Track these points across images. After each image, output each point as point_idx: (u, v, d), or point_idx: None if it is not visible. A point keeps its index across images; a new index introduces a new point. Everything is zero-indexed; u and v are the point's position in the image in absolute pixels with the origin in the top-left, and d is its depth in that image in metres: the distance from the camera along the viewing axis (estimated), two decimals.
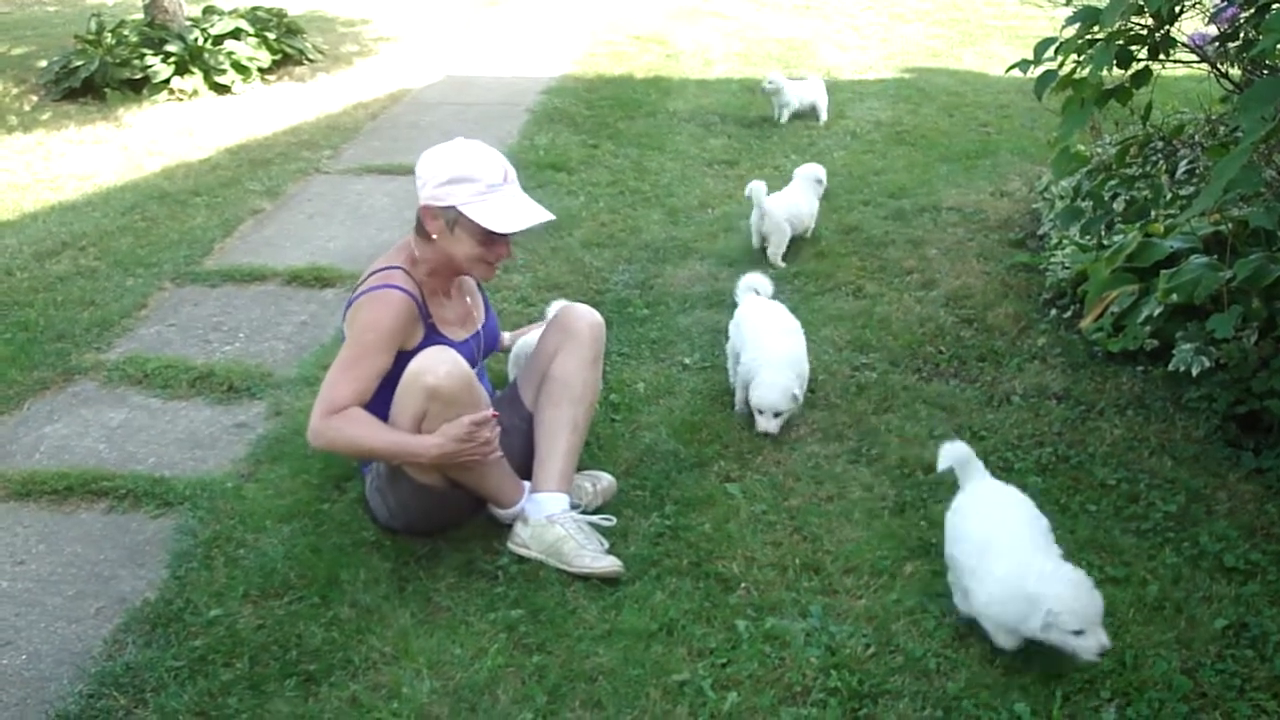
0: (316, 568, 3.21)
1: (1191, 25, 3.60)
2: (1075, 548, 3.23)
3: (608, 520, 3.35)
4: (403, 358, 3.09)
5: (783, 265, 5.32)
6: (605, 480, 3.52)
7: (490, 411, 3.08)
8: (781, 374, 3.76)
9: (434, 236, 3.16)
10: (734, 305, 4.29)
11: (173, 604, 3.09)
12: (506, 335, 3.97)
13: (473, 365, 3.30)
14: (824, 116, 7.98)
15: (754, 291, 4.28)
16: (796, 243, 5.54)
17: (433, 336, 3.21)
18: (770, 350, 3.87)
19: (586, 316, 3.52)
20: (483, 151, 3.16)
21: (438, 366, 3.00)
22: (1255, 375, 3.65)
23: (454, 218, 3.11)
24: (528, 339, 3.78)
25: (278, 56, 9.80)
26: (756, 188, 5.29)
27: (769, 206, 5.34)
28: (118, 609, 3.10)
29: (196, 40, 9.24)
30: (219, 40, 9.37)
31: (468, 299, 3.45)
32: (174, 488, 3.63)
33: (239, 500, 3.55)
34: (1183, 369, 3.79)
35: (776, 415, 3.77)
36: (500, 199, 3.13)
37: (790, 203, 5.51)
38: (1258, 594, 3.03)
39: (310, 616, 3.03)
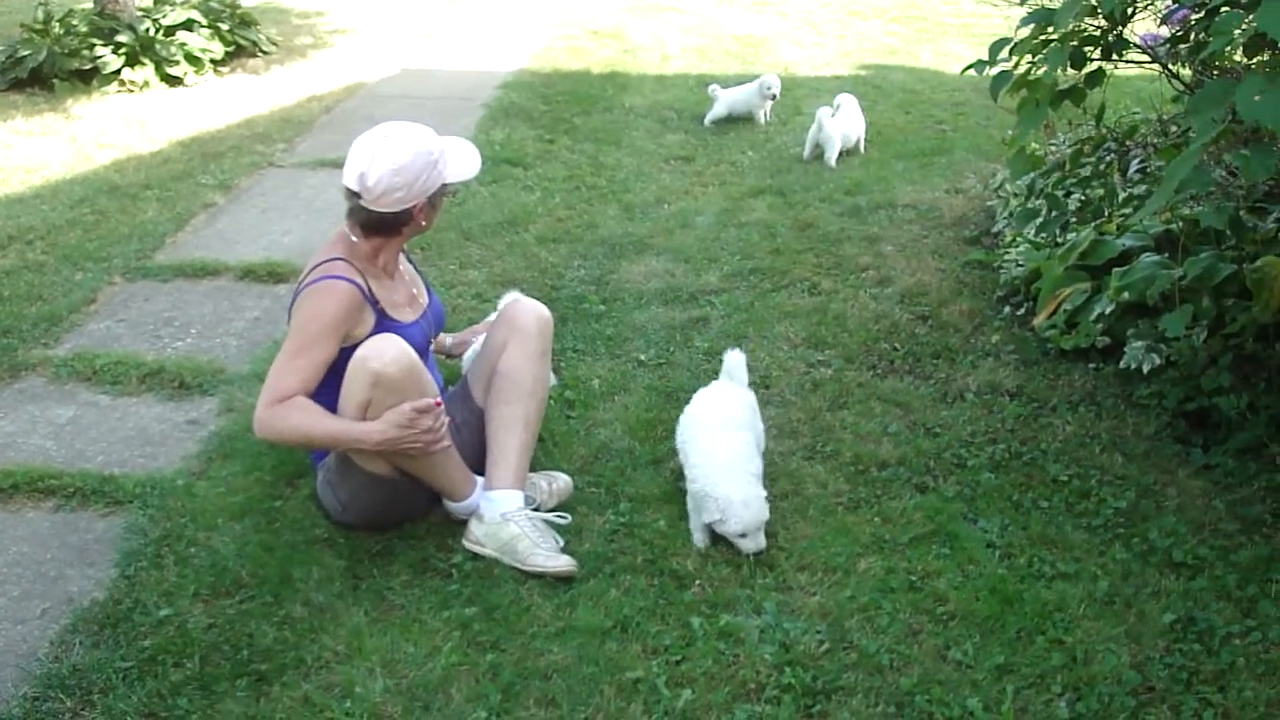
0: (269, 566, 3.18)
1: (1144, 26, 3.64)
2: (1027, 543, 3.27)
3: (563, 518, 3.34)
4: (353, 348, 3.08)
5: (834, 167, 6.84)
6: (561, 480, 3.51)
7: (433, 399, 3.07)
8: (750, 486, 3.21)
9: (424, 224, 3.32)
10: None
11: (121, 604, 3.04)
12: (449, 339, 3.93)
13: (424, 348, 3.36)
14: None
15: (728, 375, 3.66)
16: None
17: (384, 321, 3.22)
18: (722, 466, 3.25)
19: (533, 310, 3.52)
20: (414, 128, 3.24)
21: (383, 353, 3.01)
22: (1204, 373, 3.70)
23: (438, 192, 3.28)
24: (476, 343, 3.75)
25: (231, 48, 9.67)
26: (823, 111, 6.88)
27: (826, 123, 6.85)
28: (65, 609, 3.05)
29: (148, 31, 9.10)
30: (171, 31, 9.23)
31: (408, 279, 3.47)
32: (123, 486, 3.57)
33: (190, 498, 3.51)
34: (1133, 366, 3.84)
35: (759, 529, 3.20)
36: (451, 150, 3.33)
37: (844, 124, 6.99)
38: (1205, 589, 3.06)
39: (262, 615, 3.00)
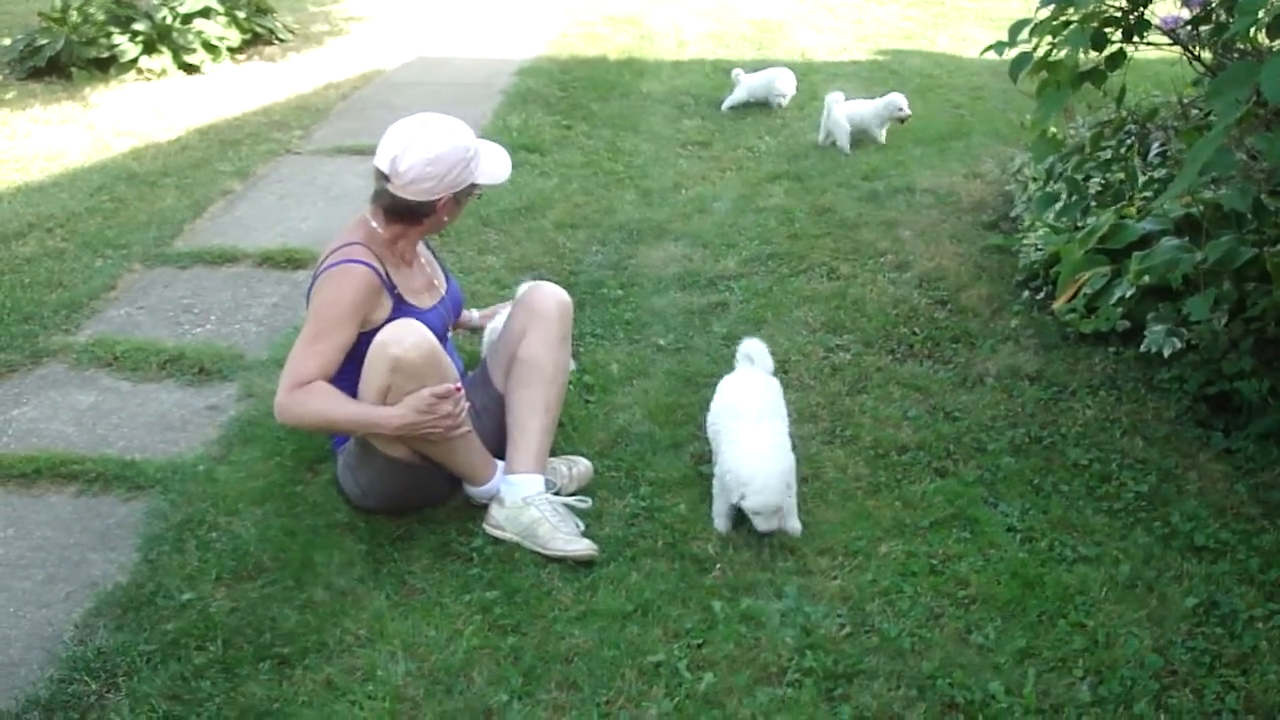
0: (290, 550, 3.19)
1: (1164, 8, 3.61)
2: (1048, 527, 3.27)
3: (583, 502, 3.34)
4: (371, 333, 3.09)
5: (849, 153, 6.80)
6: (582, 465, 3.52)
7: (453, 385, 3.08)
8: (770, 471, 3.15)
9: (446, 219, 3.30)
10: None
11: (144, 588, 3.07)
12: (475, 313, 3.96)
13: (442, 333, 3.35)
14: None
15: (749, 360, 3.62)
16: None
17: (401, 307, 3.23)
18: (751, 447, 3.24)
19: (553, 295, 3.52)
20: (454, 122, 3.23)
21: (403, 338, 3.01)
22: (1225, 357, 3.68)
23: (466, 191, 3.27)
24: (498, 321, 3.75)
25: (247, 36, 9.68)
26: (832, 96, 6.84)
27: (834, 110, 6.82)
28: (88, 593, 3.08)
29: (164, 19, 9.12)
30: (188, 19, 9.24)
31: (426, 266, 3.47)
32: (145, 471, 3.60)
33: (211, 483, 3.53)
34: (1154, 350, 3.82)
35: (775, 512, 3.19)
36: (485, 152, 3.31)
37: (853, 108, 6.89)
38: (1227, 572, 3.06)
39: (284, 599, 3.01)
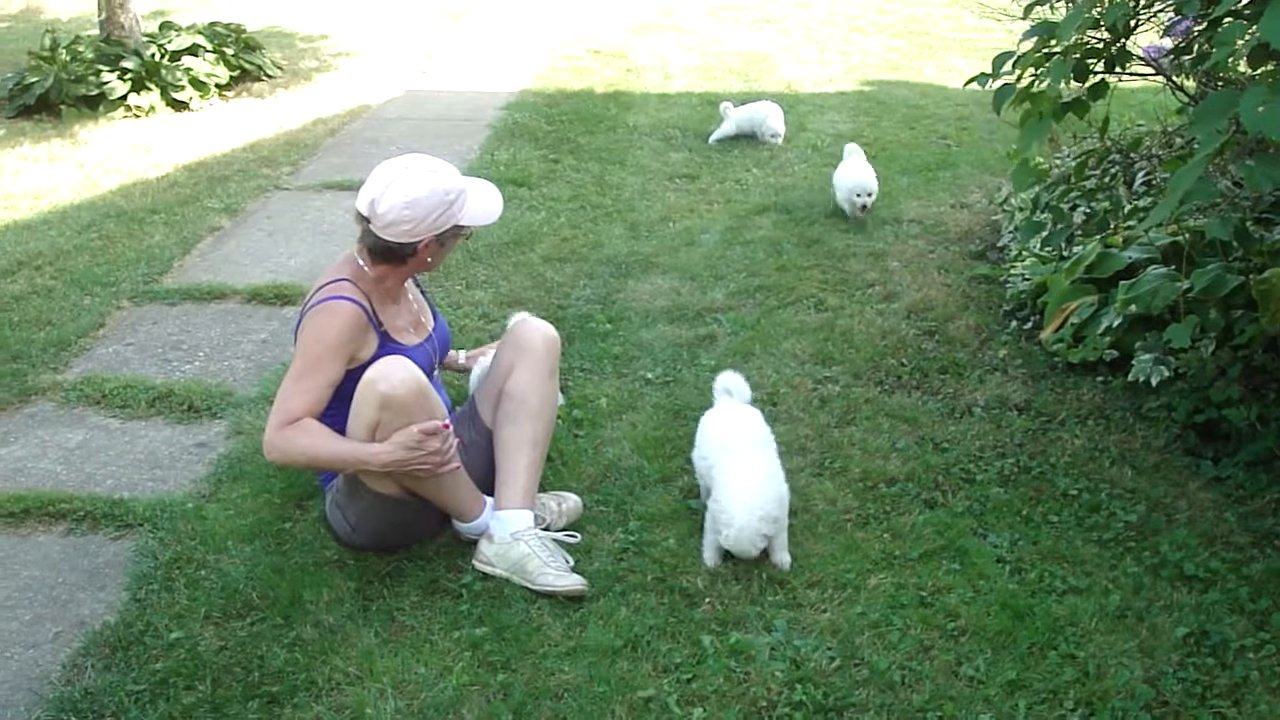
0: (279, 588, 3.18)
1: (1147, 38, 3.64)
2: (1038, 558, 3.26)
3: (572, 537, 3.34)
4: (358, 370, 3.10)
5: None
6: (571, 501, 3.51)
7: (441, 422, 3.08)
8: (751, 517, 3.14)
9: (429, 260, 3.31)
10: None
11: (133, 627, 3.05)
12: (461, 355, 3.95)
13: (430, 370, 3.35)
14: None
15: (727, 393, 3.63)
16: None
17: (387, 344, 3.24)
18: (738, 484, 3.24)
19: (541, 330, 3.53)
20: (437, 165, 3.25)
21: (391, 375, 3.02)
22: (1213, 385, 3.69)
23: (450, 233, 3.27)
24: (486, 361, 3.75)
25: (236, 73, 9.70)
26: (849, 147, 6.37)
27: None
28: (76, 633, 3.06)
29: (153, 56, 9.15)
30: (176, 56, 9.27)
31: (414, 303, 3.48)
32: (133, 509, 3.58)
33: (200, 521, 3.52)
34: (1142, 379, 3.83)
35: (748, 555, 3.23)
36: (473, 192, 3.31)
37: (841, 173, 6.25)
38: (1218, 602, 3.06)
39: (273, 637, 3.00)
